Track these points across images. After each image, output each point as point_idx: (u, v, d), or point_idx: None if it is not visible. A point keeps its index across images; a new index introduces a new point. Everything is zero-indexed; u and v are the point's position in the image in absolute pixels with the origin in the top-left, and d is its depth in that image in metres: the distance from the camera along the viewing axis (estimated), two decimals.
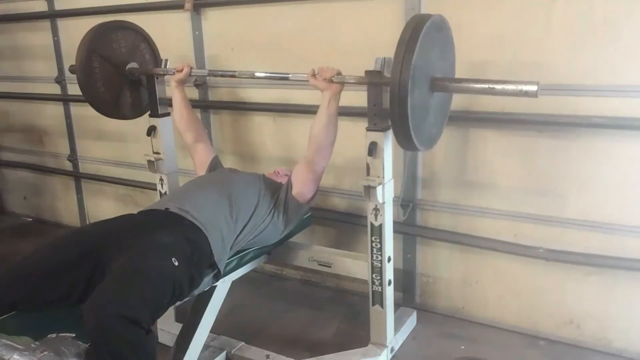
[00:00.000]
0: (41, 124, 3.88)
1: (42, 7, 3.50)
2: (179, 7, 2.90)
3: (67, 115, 3.69)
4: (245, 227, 2.05)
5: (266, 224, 2.12)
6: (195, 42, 2.96)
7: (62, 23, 3.50)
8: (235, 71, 2.34)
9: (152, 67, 2.51)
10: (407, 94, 1.62)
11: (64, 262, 1.70)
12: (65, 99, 3.64)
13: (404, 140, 1.77)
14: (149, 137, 2.49)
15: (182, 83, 2.43)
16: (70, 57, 3.52)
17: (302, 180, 2.16)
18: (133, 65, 2.48)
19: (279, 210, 2.16)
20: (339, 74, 1.99)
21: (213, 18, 2.90)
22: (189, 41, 2.96)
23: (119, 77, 2.47)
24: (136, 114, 2.62)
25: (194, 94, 3.02)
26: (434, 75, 1.77)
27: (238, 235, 2.03)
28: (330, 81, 1.99)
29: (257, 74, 2.24)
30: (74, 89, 3.60)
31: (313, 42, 2.62)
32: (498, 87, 1.67)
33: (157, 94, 2.46)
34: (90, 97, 2.42)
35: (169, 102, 2.53)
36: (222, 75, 2.41)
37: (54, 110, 3.73)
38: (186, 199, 2.02)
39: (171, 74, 2.41)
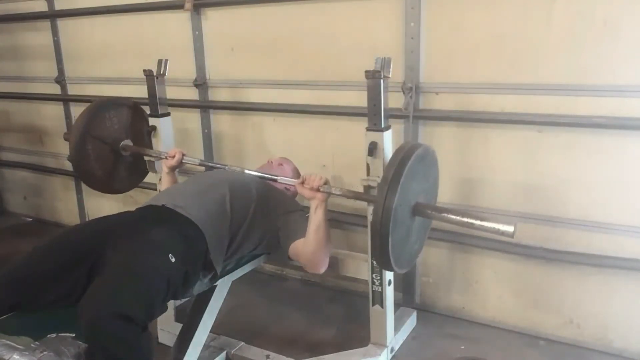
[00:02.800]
0: (41, 124, 3.88)
1: (42, 7, 3.50)
2: (179, 7, 2.90)
3: (67, 115, 3.68)
4: (241, 227, 2.04)
5: (257, 245, 2.12)
6: (195, 42, 2.96)
7: (62, 23, 3.50)
8: (226, 165, 2.25)
9: (145, 148, 2.48)
10: (388, 234, 1.61)
11: (63, 263, 1.70)
12: (65, 99, 3.65)
13: (386, 269, 1.92)
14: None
15: (174, 170, 2.34)
16: (70, 57, 3.54)
17: (301, 259, 2.07)
18: (126, 142, 2.47)
19: (268, 245, 2.13)
20: (326, 182, 1.95)
21: (213, 18, 2.90)
22: (189, 41, 2.96)
23: (113, 154, 2.46)
24: (129, 188, 2.64)
25: (194, 94, 3.03)
26: (417, 201, 1.77)
27: (235, 236, 2.02)
28: (317, 190, 1.93)
29: (247, 172, 2.15)
30: (74, 89, 3.61)
31: (313, 42, 2.62)
32: (477, 222, 1.67)
33: (157, 94, 2.46)
34: (83, 175, 2.47)
35: (169, 102, 2.53)
36: (212, 166, 2.35)
37: (54, 110, 3.73)
38: (183, 196, 2.03)
39: (163, 158, 2.34)
